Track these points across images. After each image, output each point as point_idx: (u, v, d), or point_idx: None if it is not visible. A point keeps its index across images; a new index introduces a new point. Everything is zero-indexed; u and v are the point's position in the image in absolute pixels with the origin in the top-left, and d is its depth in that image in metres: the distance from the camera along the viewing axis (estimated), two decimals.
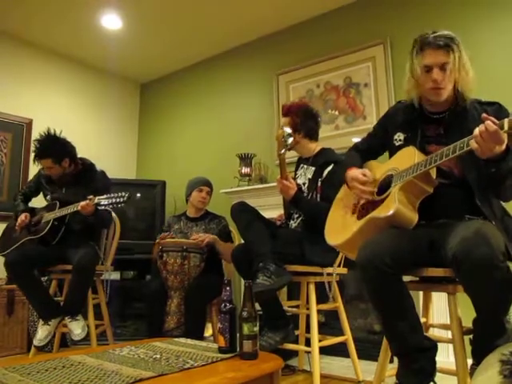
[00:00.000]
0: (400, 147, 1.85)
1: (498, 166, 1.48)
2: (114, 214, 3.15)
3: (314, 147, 2.65)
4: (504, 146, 1.42)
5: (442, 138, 1.75)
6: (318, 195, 2.46)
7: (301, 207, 2.47)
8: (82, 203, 2.68)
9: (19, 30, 4.01)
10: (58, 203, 2.89)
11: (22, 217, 2.93)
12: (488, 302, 1.43)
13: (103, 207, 2.70)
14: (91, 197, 2.69)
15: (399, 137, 1.88)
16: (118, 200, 2.65)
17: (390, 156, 1.91)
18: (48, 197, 3.02)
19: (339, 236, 1.84)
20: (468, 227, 1.48)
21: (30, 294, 2.75)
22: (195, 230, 3.17)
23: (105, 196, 2.68)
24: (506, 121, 1.37)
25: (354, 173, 1.87)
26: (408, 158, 1.72)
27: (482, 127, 1.40)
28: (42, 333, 2.69)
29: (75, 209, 2.73)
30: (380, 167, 1.91)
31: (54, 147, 2.87)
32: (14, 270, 2.69)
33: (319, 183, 2.47)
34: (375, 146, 2.05)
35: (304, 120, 2.60)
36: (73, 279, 2.71)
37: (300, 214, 2.53)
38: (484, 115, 1.42)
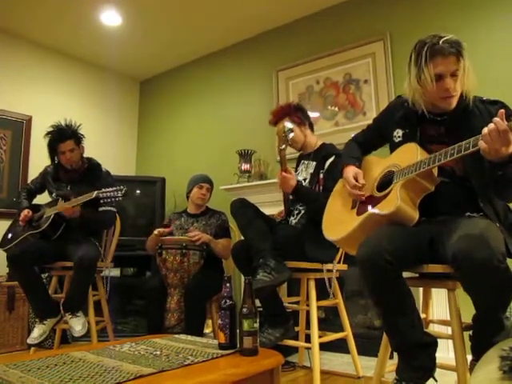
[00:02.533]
0: (399, 144, 1.85)
1: (504, 168, 1.46)
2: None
3: (315, 141, 2.67)
4: (511, 149, 1.41)
5: (444, 137, 1.74)
6: (321, 187, 2.46)
7: (302, 198, 2.46)
8: (60, 207, 2.74)
9: (18, 27, 3.99)
10: (60, 199, 2.90)
11: (25, 212, 2.94)
12: (487, 300, 1.43)
13: (102, 201, 2.70)
14: (71, 199, 2.75)
15: (398, 133, 1.87)
16: (115, 194, 2.66)
17: (391, 152, 1.91)
18: (53, 194, 3.02)
19: (338, 231, 1.83)
20: (468, 226, 1.48)
21: (28, 291, 2.76)
22: (196, 227, 3.18)
23: (102, 190, 2.68)
24: None
25: (347, 173, 1.90)
26: (410, 154, 1.72)
27: (491, 126, 1.39)
28: (36, 331, 2.70)
29: (55, 211, 2.78)
30: (380, 163, 1.91)
31: (72, 129, 2.94)
32: (14, 264, 2.70)
33: (321, 175, 2.47)
34: (373, 139, 2.06)
35: (303, 113, 2.66)
36: (74, 275, 2.72)
37: (300, 210, 2.53)
38: (501, 111, 1.41)
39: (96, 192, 2.68)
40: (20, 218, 2.94)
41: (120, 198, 2.67)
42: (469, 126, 1.64)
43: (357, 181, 1.86)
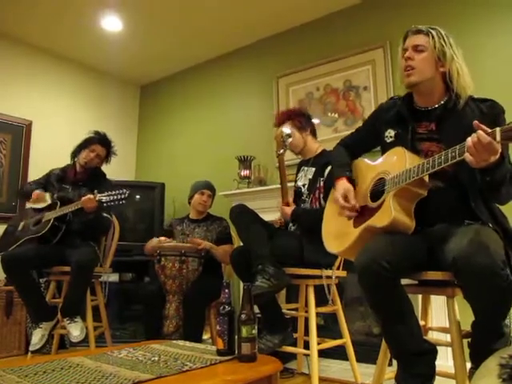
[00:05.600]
0: (391, 144, 1.83)
1: (492, 174, 1.44)
2: (113, 218, 3.17)
3: (317, 147, 2.69)
4: (498, 155, 1.38)
5: (434, 134, 1.74)
6: (321, 195, 2.47)
7: (301, 221, 2.49)
8: (84, 198, 2.73)
9: (19, 32, 4.01)
10: (58, 203, 2.91)
11: (35, 194, 2.98)
12: (487, 307, 1.42)
13: (105, 204, 2.74)
14: (95, 193, 2.76)
15: (390, 133, 1.86)
16: (119, 197, 2.70)
17: (383, 152, 1.89)
18: (55, 195, 3.03)
19: (338, 244, 1.84)
20: (466, 233, 1.47)
21: (23, 294, 2.77)
22: (197, 232, 3.18)
23: (106, 193, 2.73)
24: (497, 131, 1.32)
25: (336, 191, 1.88)
26: (398, 160, 1.71)
27: (474, 138, 1.35)
28: (35, 337, 2.71)
29: (77, 207, 2.78)
30: (370, 168, 1.89)
31: (112, 146, 3.14)
32: (8, 268, 2.70)
33: (321, 183, 2.48)
34: (364, 141, 2.04)
35: (306, 119, 2.69)
36: (71, 278, 2.72)
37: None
38: (475, 122, 1.38)
39: (99, 195, 2.73)
40: (33, 198, 2.97)
41: (124, 201, 2.73)
42: (460, 124, 1.63)
43: (347, 200, 1.83)
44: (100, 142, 3.08)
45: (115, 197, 2.71)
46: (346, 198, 1.84)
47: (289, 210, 2.50)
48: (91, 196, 2.74)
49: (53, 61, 4.39)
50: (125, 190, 2.72)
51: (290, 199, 2.55)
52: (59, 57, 4.43)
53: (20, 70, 4.14)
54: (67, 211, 2.83)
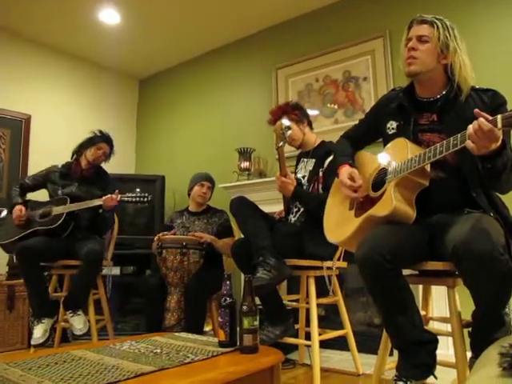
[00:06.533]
0: (393, 136, 1.83)
1: (493, 161, 1.44)
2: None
3: (315, 139, 2.68)
4: (500, 142, 1.39)
5: (436, 125, 1.74)
6: (320, 185, 2.46)
7: (302, 201, 2.47)
8: (106, 197, 2.81)
9: (17, 26, 3.99)
10: (68, 198, 2.93)
11: (17, 211, 2.94)
12: (488, 294, 1.43)
13: (129, 204, 2.90)
14: (116, 192, 2.85)
15: (392, 125, 1.86)
16: (140, 200, 2.83)
17: (385, 144, 1.89)
18: (59, 191, 3.05)
19: (339, 234, 1.84)
20: (467, 220, 1.48)
21: (31, 287, 2.78)
22: (197, 225, 3.19)
23: (129, 194, 2.85)
24: (499, 118, 1.33)
25: (342, 175, 1.87)
26: (400, 150, 1.71)
27: (475, 125, 1.36)
28: (37, 331, 2.72)
29: (96, 204, 2.84)
30: (373, 159, 1.89)
31: (113, 146, 3.20)
32: (22, 259, 2.71)
33: (320, 173, 2.48)
34: (366, 133, 2.04)
35: (301, 111, 2.67)
36: (80, 270, 2.75)
37: (299, 208, 2.53)
38: (476, 110, 1.38)
39: (120, 196, 2.83)
40: (14, 216, 2.93)
41: (146, 204, 2.87)
42: (462, 115, 1.63)
43: (353, 182, 1.83)
44: (106, 141, 3.15)
45: (137, 199, 2.83)
46: (352, 179, 1.84)
47: (291, 185, 2.42)
48: (113, 195, 2.81)
49: (51, 54, 4.37)
50: (148, 194, 2.85)
51: (288, 171, 2.46)
52: (58, 50, 4.40)
53: (18, 63, 4.12)
54: (85, 207, 2.87)
